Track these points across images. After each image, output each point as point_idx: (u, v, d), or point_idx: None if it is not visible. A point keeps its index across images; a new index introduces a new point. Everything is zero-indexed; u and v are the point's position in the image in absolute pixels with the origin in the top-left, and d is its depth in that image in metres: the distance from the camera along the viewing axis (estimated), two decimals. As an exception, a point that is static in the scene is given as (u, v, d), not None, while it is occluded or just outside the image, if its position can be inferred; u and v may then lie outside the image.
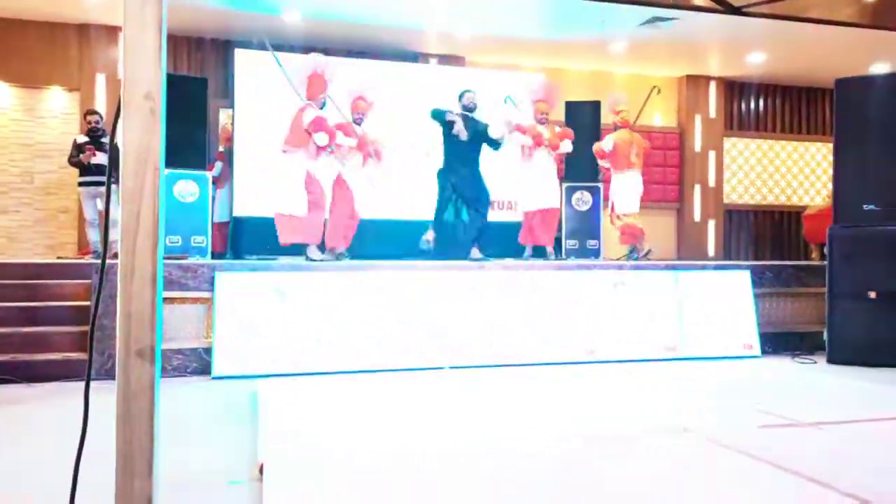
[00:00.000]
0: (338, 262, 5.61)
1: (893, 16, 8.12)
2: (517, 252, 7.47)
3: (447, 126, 6.52)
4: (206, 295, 4.89)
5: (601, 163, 7.76)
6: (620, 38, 9.08)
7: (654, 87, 8.66)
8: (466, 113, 6.61)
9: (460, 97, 6.73)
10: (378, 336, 4.97)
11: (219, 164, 8.44)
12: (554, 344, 5.30)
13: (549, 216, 7.28)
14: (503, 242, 7.71)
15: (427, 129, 7.85)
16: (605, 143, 7.64)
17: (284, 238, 6.01)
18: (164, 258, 1.89)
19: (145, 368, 1.47)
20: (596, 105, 8.83)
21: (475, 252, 6.37)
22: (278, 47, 8.83)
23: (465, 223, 6.43)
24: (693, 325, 5.66)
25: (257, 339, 4.77)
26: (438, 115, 6.59)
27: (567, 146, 7.27)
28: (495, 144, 6.64)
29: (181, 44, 8.87)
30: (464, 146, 6.48)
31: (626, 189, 7.56)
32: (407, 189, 8.57)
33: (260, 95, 8.33)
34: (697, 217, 10.90)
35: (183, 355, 4.83)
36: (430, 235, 6.60)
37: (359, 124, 6.49)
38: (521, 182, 7.35)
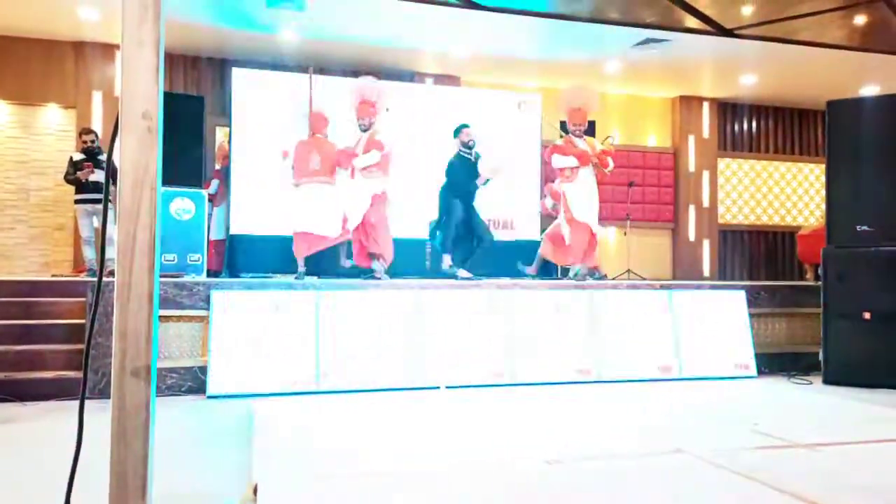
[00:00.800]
0: (334, 281, 5.60)
1: (881, 38, 8.22)
2: (508, 271, 7.46)
3: (454, 168, 6.54)
4: (201, 313, 4.87)
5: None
6: (615, 59, 9.16)
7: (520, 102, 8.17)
8: (465, 151, 6.61)
9: (456, 133, 6.70)
10: (375, 355, 4.96)
11: (215, 182, 8.45)
12: (548, 364, 5.29)
13: (594, 239, 6.75)
14: (495, 261, 7.70)
15: (423, 147, 7.93)
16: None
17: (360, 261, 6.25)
18: (160, 276, 1.89)
19: (140, 387, 1.46)
20: (592, 124, 8.88)
21: (463, 272, 6.39)
22: (275, 66, 8.93)
23: (466, 247, 6.52)
24: (688, 345, 5.66)
25: (253, 357, 4.75)
26: (463, 179, 6.49)
27: (611, 164, 6.78)
28: (484, 183, 6.60)
29: (178, 62, 8.91)
30: (466, 184, 6.52)
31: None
32: (402, 207, 8.59)
33: (256, 114, 8.36)
34: (692, 237, 10.93)
35: (178, 374, 4.80)
36: (448, 262, 6.50)
37: (365, 131, 6.35)
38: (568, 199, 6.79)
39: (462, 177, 6.53)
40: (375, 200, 6.17)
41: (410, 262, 7.98)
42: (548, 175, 8.01)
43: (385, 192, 6.23)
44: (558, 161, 6.64)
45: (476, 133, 6.72)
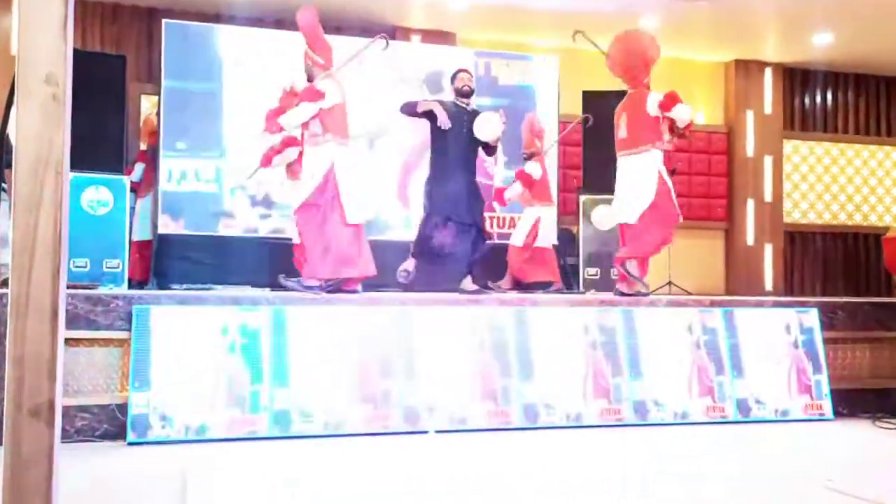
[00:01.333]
0: (291, 296, 5.59)
1: None
2: (520, 283, 7.50)
3: (429, 120, 6.43)
4: (121, 335, 4.85)
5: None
6: (652, 12, 9.20)
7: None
8: (460, 100, 6.58)
9: (453, 79, 6.72)
10: (346, 390, 4.94)
11: (139, 167, 8.44)
12: (566, 402, 5.29)
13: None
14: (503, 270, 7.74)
15: (403, 126, 7.92)
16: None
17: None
18: (68, 286, 1.87)
19: (42, 430, 1.45)
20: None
21: (467, 282, 6.38)
22: (219, 18, 8.93)
23: (457, 248, 6.41)
24: (746, 378, 5.67)
25: (188, 393, 4.73)
26: (409, 108, 6.53)
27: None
28: (489, 149, 6.58)
29: (93, 12, 8.93)
30: (456, 147, 6.43)
31: None
32: (380, 202, 8.60)
33: (195, 78, 8.36)
34: (750, 240, 10.98)
35: (90, 414, 4.78)
36: (409, 265, 6.52)
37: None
38: None
39: (454, 133, 6.40)
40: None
41: (389, 271, 8.01)
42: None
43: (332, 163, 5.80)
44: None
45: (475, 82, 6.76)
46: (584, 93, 8.91)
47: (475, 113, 6.49)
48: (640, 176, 6.30)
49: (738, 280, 10.83)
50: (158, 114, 8.44)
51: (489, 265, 7.32)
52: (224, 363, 4.84)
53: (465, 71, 6.70)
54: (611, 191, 7.98)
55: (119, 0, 8.94)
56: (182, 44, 8.42)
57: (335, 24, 9.26)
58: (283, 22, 8.78)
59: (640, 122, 6.38)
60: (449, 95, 6.80)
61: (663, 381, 5.51)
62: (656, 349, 5.58)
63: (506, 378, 5.24)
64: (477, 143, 6.48)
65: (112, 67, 7.28)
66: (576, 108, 9.06)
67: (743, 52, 10.72)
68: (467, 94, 6.58)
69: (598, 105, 8.84)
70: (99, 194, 7.03)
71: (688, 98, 10.81)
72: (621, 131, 6.52)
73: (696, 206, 10.77)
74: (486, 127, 6.39)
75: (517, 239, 7.70)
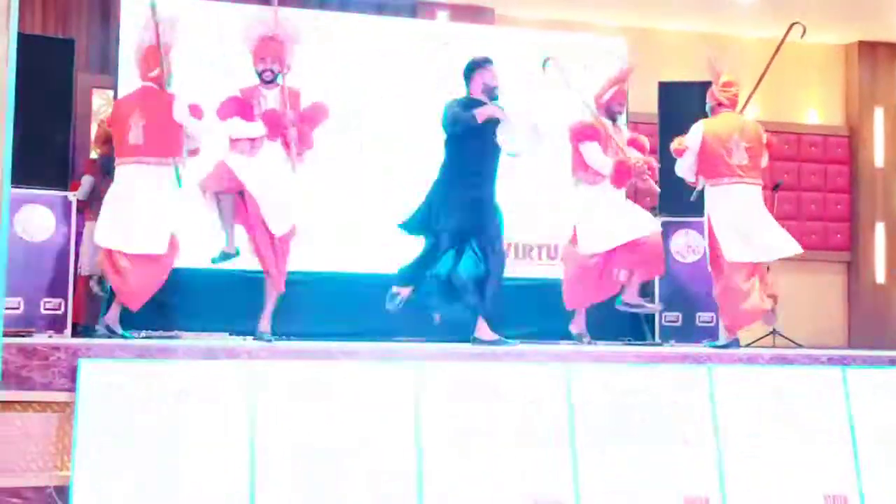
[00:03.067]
0: (273, 346, 5.64)
1: None
2: (554, 329, 7.47)
3: (474, 130, 6.49)
4: (62, 398, 4.87)
5: (678, 169, 7.53)
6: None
7: (795, 23, 8.32)
8: (482, 99, 6.65)
9: (472, 71, 6.76)
10: (343, 481, 4.93)
11: (87, 181, 8.48)
12: (634, 490, 5.25)
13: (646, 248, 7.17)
14: (531, 311, 7.70)
15: (426, 120, 7.99)
16: (690, 136, 7.40)
17: None
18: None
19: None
20: (707, 87, 8.91)
21: (484, 330, 6.40)
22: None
23: (475, 278, 6.47)
24: (876, 460, 5.60)
25: (146, 472, 4.75)
26: (465, 123, 6.49)
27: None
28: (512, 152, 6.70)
29: (33, -14, 9.05)
30: (479, 156, 6.54)
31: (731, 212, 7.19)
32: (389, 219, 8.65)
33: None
34: (881, 277, 10.88)
35: (22, 499, 4.80)
36: (402, 289, 6.60)
37: (269, 82, 6.62)
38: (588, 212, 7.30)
39: (479, 135, 6.48)
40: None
41: (408, 312, 8.03)
42: None
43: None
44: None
45: (504, 94, 6.75)
46: (661, 85, 8.92)
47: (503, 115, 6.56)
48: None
49: (865, 327, 10.72)
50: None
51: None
52: (187, 432, 4.85)
53: (490, 62, 6.73)
54: (691, 211, 8.00)
55: (66, -31, 9.10)
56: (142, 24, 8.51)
57: (344, 1, 9.40)
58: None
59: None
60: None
61: (767, 461, 5.46)
62: (755, 419, 5.52)
63: (554, 463, 5.21)
64: (500, 152, 6.61)
65: (56, 55, 7.37)
66: (650, 105, 9.06)
67: (869, 31, 10.69)
68: (496, 97, 6.63)
69: (676, 99, 8.84)
70: (37, 216, 7.10)
71: (794, 91, 10.90)
72: (739, 156, 7.03)
73: (807, 233, 10.69)
74: (516, 140, 6.53)
75: None
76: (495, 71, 6.68)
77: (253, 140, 6.46)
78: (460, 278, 6.47)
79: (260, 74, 6.59)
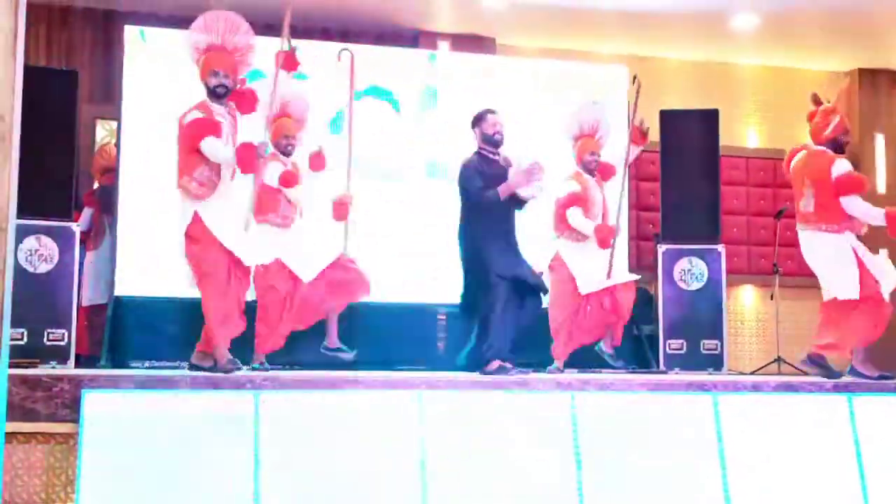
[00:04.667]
0: (277, 376, 5.62)
1: None
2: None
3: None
4: (65, 429, 4.86)
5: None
6: (748, 10, 9.24)
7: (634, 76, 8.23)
8: (489, 151, 6.75)
9: (478, 121, 6.82)
10: None
11: (87, 213, 8.48)
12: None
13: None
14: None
15: (432, 151, 8.02)
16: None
17: None
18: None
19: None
20: (710, 115, 8.94)
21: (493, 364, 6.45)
22: (191, 24, 9.06)
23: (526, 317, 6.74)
24: (882, 486, 5.56)
25: (150, 503, 4.73)
26: (486, 198, 6.61)
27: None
28: (519, 204, 6.77)
29: (36, 16, 9.00)
30: (497, 206, 6.65)
31: None
32: (396, 255, 8.65)
33: (164, 99, 8.46)
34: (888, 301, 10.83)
35: (24, 532, 4.79)
36: (498, 364, 6.53)
37: (287, 155, 6.91)
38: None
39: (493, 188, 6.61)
40: None
41: (411, 341, 8.00)
42: None
43: None
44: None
45: (507, 124, 6.84)
46: (662, 113, 8.94)
47: (508, 164, 6.68)
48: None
49: (870, 355, 10.64)
50: (118, 144, 8.52)
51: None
52: (198, 470, 4.83)
53: (496, 113, 6.82)
54: (698, 238, 8.02)
55: (70, 1, 9.11)
56: (148, 56, 8.56)
57: (353, 30, 9.41)
58: (272, 27, 8.88)
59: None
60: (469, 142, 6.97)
61: (773, 492, 5.42)
62: (760, 450, 5.50)
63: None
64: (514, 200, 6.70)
65: (60, 86, 7.38)
66: (651, 133, 9.06)
67: (870, 58, 10.70)
68: (499, 144, 6.74)
69: (678, 126, 8.86)
70: (41, 246, 7.09)
71: (795, 118, 10.86)
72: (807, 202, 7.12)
73: (810, 259, 10.67)
74: (527, 186, 6.60)
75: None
76: (494, 119, 6.76)
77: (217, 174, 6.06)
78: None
79: (213, 89, 6.11)
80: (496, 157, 6.72)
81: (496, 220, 6.67)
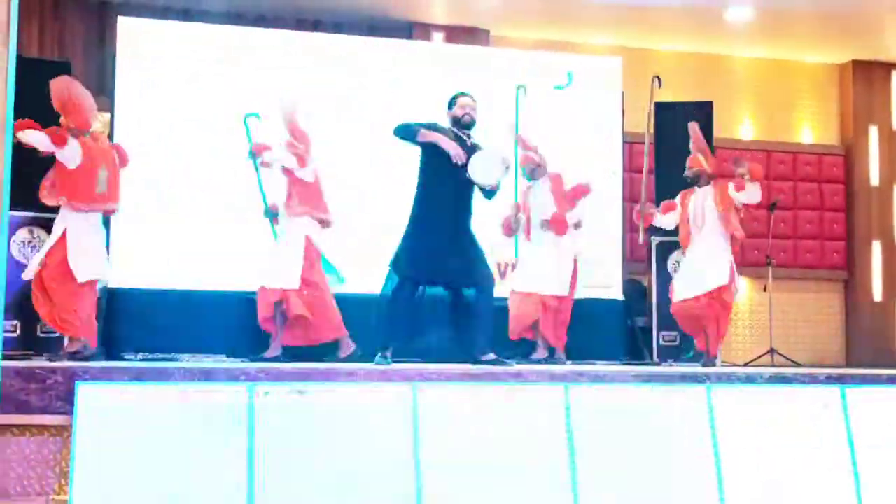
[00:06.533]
0: (271, 368, 5.63)
1: None
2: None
3: (426, 151, 6.59)
4: (59, 421, 4.86)
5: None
6: (743, 2, 9.23)
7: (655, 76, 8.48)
8: (460, 131, 6.67)
9: (451, 104, 6.76)
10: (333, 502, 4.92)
11: (79, 203, 8.48)
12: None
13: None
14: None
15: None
16: None
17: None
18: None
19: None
20: (703, 107, 8.94)
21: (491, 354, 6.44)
22: (187, 13, 9.07)
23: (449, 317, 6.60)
24: (874, 477, 5.56)
25: (144, 496, 4.72)
26: (405, 133, 6.62)
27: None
28: (487, 192, 6.63)
29: (28, 7, 9.00)
30: (450, 187, 6.54)
31: None
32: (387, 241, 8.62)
33: (157, 89, 8.47)
34: (878, 294, 10.87)
35: (18, 524, 4.79)
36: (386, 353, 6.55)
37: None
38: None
39: (447, 167, 6.50)
40: None
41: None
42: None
43: None
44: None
45: (477, 109, 6.75)
46: (657, 105, 8.93)
47: (475, 149, 6.55)
48: None
49: (863, 347, 10.69)
50: (111, 135, 8.50)
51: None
52: (192, 460, 4.83)
53: (467, 96, 6.74)
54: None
55: (62, -9, 9.11)
56: (141, 47, 8.52)
57: (343, 20, 9.40)
58: (263, 19, 8.92)
59: None
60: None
61: (766, 487, 5.43)
62: (751, 442, 5.50)
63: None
64: (473, 183, 6.60)
65: (53, 76, 7.36)
66: (645, 124, 9.08)
67: (863, 50, 10.70)
68: (468, 125, 6.66)
69: (672, 118, 8.85)
70: (33, 238, 7.07)
71: (789, 111, 10.92)
72: None
73: (804, 251, 10.70)
74: (482, 168, 6.47)
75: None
76: (468, 104, 6.69)
77: None
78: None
79: None
80: (466, 139, 6.60)
81: (442, 195, 6.58)
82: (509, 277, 7.95)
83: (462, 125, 6.63)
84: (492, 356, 6.36)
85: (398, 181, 8.78)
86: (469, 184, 6.52)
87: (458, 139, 6.55)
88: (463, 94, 6.74)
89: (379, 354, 6.37)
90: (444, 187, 6.54)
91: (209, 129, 8.39)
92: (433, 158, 6.52)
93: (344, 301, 7.31)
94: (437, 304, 6.65)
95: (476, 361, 6.30)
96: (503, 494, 5.08)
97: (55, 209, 7.11)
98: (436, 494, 4.98)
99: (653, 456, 5.34)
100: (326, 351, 6.99)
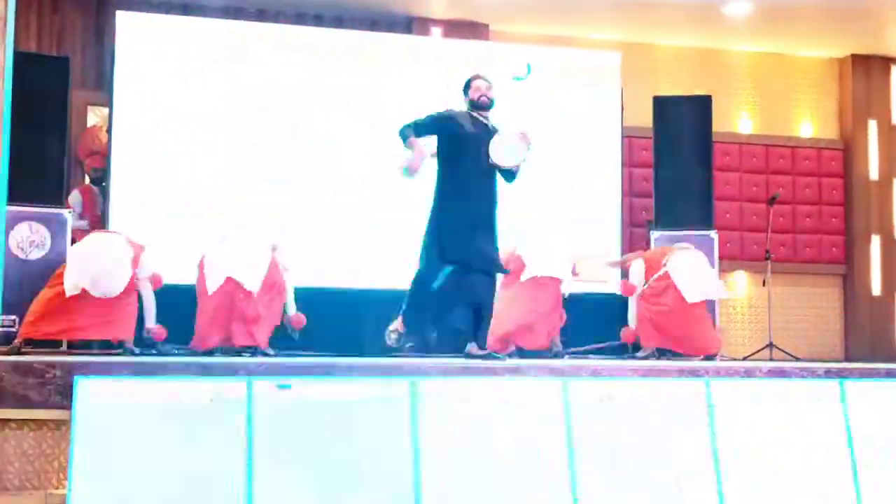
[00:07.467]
0: (270, 362, 5.63)
1: None
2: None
3: (444, 140, 6.54)
4: (58, 415, 4.85)
5: None
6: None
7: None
8: (478, 114, 6.63)
9: (465, 89, 6.73)
10: (331, 497, 4.90)
11: (77, 197, 8.44)
12: None
13: None
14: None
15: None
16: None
17: None
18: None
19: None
20: (703, 102, 8.94)
21: (474, 345, 6.46)
22: (186, 8, 9.07)
23: (467, 300, 6.56)
24: (873, 471, 5.56)
25: (143, 490, 4.71)
26: (401, 135, 6.53)
27: None
28: (508, 174, 6.62)
29: (28, 1, 8.99)
30: (472, 172, 6.50)
31: None
32: (385, 237, 8.62)
33: (156, 84, 8.46)
34: (877, 289, 10.86)
35: (17, 517, 4.78)
36: (398, 324, 6.55)
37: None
38: None
39: (470, 154, 6.49)
40: None
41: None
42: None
43: None
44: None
45: (497, 92, 6.73)
46: (656, 99, 8.93)
47: (494, 131, 6.53)
48: None
49: (862, 341, 10.69)
50: (109, 130, 8.49)
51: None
52: (190, 454, 4.82)
53: (481, 78, 6.70)
54: (691, 223, 8.04)
55: (61, -13, 9.09)
56: (139, 41, 8.53)
57: (342, 15, 9.39)
58: (266, 13, 8.90)
59: None
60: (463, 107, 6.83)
61: (765, 480, 5.42)
62: (750, 436, 5.49)
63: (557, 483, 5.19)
64: (496, 167, 6.55)
65: (52, 72, 7.36)
66: (645, 119, 9.07)
67: (862, 44, 10.68)
68: (485, 107, 6.61)
69: (671, 113, 8.86)
70: (33, 233, 7.06)
71: (788, 105, 10.90)
72: None
73: (803, 246, 10.69)
74: (502, 150, 6.44)
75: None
76: (483, 86, 6.63)
77: None
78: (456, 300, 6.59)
79: None
80: (485, 121, 6.59)
81: (460, 183, 6.54)
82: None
83: (479, 107, 6.60)
84: (485, 351, 6.39)
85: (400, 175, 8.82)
86: (490, 171, 6.51)
87: (475, 121, 6.55)
88: (476, 77, 6.72)
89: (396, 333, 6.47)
90: (465, 174, 6.50)
91: (208, 124, 8.39)
92: (448, 146, 6.51)
93: (343, 296, 7.31)
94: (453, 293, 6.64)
95: (469, 356, 6.30)
96: (502, 489, 5.08)
97: (52, 203, 7.12)
98: (434, 488, 4.98)
99: (651, 450, 5.34)
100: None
